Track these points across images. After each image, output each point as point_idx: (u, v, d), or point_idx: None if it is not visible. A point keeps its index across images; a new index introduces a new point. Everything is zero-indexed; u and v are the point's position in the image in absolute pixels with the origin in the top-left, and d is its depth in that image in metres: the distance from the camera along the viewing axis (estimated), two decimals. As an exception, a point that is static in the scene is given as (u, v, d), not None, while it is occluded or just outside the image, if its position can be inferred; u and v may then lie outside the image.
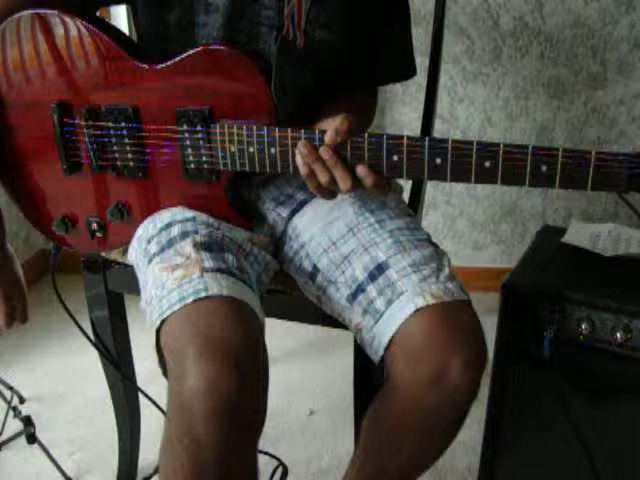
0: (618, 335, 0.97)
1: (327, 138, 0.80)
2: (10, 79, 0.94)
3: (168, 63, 0.87)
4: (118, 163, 0.94)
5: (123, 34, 0.98)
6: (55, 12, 0.90)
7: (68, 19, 0.90)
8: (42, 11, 0.90)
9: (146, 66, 0.88)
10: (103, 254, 1.11)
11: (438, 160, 0.78)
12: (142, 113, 0.90)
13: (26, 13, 0.90)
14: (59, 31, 0.90)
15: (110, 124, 0.91)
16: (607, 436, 1.02)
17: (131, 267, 0.98)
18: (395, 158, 0.80)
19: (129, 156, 0.93)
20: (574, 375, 1.02)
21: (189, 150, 0.89)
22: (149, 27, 0.98)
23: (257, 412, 0.75)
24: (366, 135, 0.80)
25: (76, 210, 0.99)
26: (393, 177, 0.82)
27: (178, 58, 0.87)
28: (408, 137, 0.79)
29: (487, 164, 0.76)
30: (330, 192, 0.85)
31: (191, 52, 0.86)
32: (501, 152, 0.75)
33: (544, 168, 0.74)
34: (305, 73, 0.96)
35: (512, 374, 1.08)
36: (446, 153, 0.77)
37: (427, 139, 0.78)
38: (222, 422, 0.69)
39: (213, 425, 0.69)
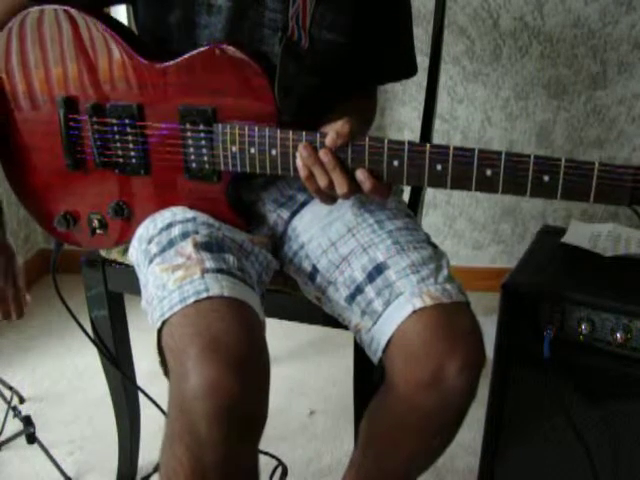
0: (618, 335, 0.97)
1: (328, 140, 0.81)
2: (20, 72, 0.94)
3: (174, 61, 0.88)
4: (121, 160, 0.94)
5: (130, 31, 0.98)
6: (66, 8, 0.90)
7: (78, 15, 0.90)
8: (55, 7, 0.90)
9: (152, 64, 0.89)
10: (103, 254, 1.12)
11: (439, 167, 0.77)
12: (146, 111, 0.90)
13: (38, 8, 0.91)
14: (69, 27, 0.91)
15: (114, 120, 0.92)
16: (607, 436, 1.02)
17: (131, 267, 0.98)
18: (395, 163, 0.79)
19: (132, 153, 0.93)
20: (574, 375, 1.02)
21: (191, 149, 0.90)
22: (150, 27, 0.98)
23: (258, 412, 0.75)
24: (367, 139, 0.80)
25: (78, 207, 1.00)
26: (393, 183, 0.82)
27: (185, 56, 0.87)
28: (409, 142, 0.78)
29: (488, 172, 0.75)
30: (329, 197, 0.85)
31: (198, 51, 0.86)
32: (503, 161, 0.74)
33: (546, 178, 0.73)
34: (309, 74, 0.96)
35: (512, 374, 1.08)
36: (447, 160, 0.77)
37: (428, 145, 0.77)
38: (223, 422, 0.69)
39: (214, 425, 0.69)
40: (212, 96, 0.87)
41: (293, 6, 0.91)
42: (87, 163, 0.96)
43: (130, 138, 0.92)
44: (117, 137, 0.93)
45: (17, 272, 1.01)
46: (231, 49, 0.85)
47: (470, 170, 0.76)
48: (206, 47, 0.86)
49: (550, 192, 0.74)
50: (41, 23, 0.91)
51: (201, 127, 0.88)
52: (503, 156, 0.74)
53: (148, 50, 0.91)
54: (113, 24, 0.91)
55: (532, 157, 0.73)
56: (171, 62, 0.88)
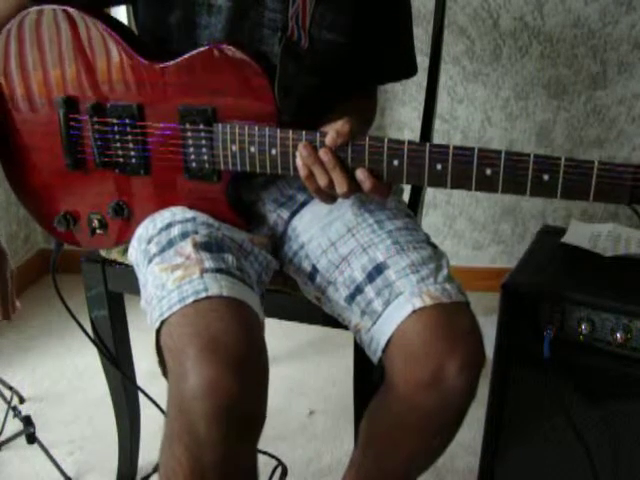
0: (618, 335, 0.97)
1: (328, 140, 0.81)
2: (20, 73, 0.94)
3: (174, 61, 0.88)
4: (121, 160, 0.94)
5: (130, 31, 0.98)
6: (65, 8, 0.90)
7: (78, 15, 0.90)
8: (54, 7, 0.91)
9: (152, 64, 0.89)
10: (103, 254, 1.12)
11: (439, 166, 0.77)
12: (146, 110, 0.91)
13: (37, 8, 0.91)
14: (69, 27, 0.91)
15: (114, 120, 0.92)
16: (607, 436, 1.02)
17: (131, 267, 0.98)
18: (395, 163, 0.79)
19: (132, 153, 0.93)
20: (574, 375, 1.02)
21: (191, 149, 0.90)
22: (150, 27, 0.98)
23: (257, 412, 0.75)
24: (367, 138, 0.80)
25: (78, 207, 1.00)
26: (393, 182, 0.82)
27: (185, 56, 0.87)
28: (409, 142, 0.78)
29: (488, 172, 0.75)
30: (329, 196, 0.85)
31: (198, 51, 0.86)
32: (502, 160, 0.74)
33: (546, 177, 0.73)
34: (309, 74, 0.96)
35: (512, 374, 1.08)
36: (447, 159, 0.77)
37: (428, 145, 0.77)
38: (222, 422, 0.69)
39: (213, 425, 0.69)
40: (212, 96, 0.87)
41: (293, 6, 0.91)
42: (87, 163, 0.96)
43: (130, 138, 0.92)
44: (117, 137, 0.93)
45: (7, 276, 1.00)
46: (231, 49, 0.85)
47: (470, 169, 0.76)
48: (206, 47, 0.86)
49: (550, 191, 0.74)
50: (40, 23, 0.91)
51: (201, 127, 0.88)
52: (503, 155, 0.74)
53: (148, 50, 0.91)
54: (113, 24, 0.91)
55: (532, 156, 0.73)
56: (171, 62, 0.88)
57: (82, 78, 0.92)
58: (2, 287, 0.99)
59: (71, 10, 0.90)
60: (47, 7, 0.91)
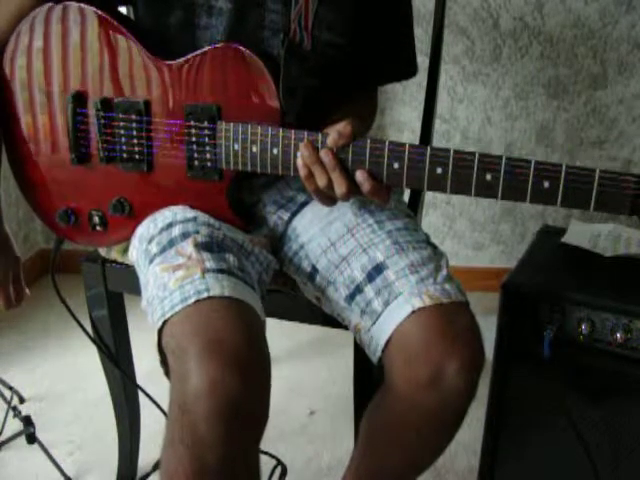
0: (618, 335, 0.97)
1: (329, 140, 0.81)
2: (30, 67, 0.95)
3: (183, 59, 0.88)
4: (125, 155, 0.94)
5: (140, 29, 0.98)
6: (81, 5, 0.91)
7: (90, 11, 0.91)
8: (66, 3, 0.91)
9: (162, 61, 0.89)
10: (103, 253, 1.12)
11: (439, 170, 0.77)
12: (153, 107, 0.91)
13: (52, 5, 0.92)
14: (81, 23, 0.91)
15: (120, 116, 0.92)
16: (607, 436, 1.02)
17: (131, 267, 0.98)
18: (396, 165, 0.79)
19: (136, 149, 0.93)
20: (574, 375, 1.02)
21: (194, 147, 0.90)
22: (150, 28, 0.98)
23: (259, 412, 0.75)
24: (368, 140, 0.80)
25: (80, 203, 1.00)
26: (393, 185, 0.81)
27: (193, 54, 0.88)
28: (410, 145, 0.78)
29: (488, 177, 0.75)
30: (329, 197, 0.85)
31: (206, 49, 0.87)
32: (503, 165, 0.74)
33: (546, 184, 0.72)
34: (312, 75, 0.96)
35: (512, 374, 1.08)
36: (447, 163, 0.76)
37: (429, 148, 0.77)
38: (225, 422, 0.69)
39: (216, 426, 0.69)
40: (217, 94, 0.87)
41: (295, 8, 0.91)
42: (91, 158, 0.96)
43: (135, 134, 0.92)
44: (122, 132, 0.93)
45: (15, 260, 1.01)
46: (240, 49, 0.85)
47: (470, 174, 0.75)
48: (215, 46, 0.86)
49: (550, 198, 0.73)
50: (56, 19, 0.92)
51: (205, 124, 0.88)
52: (503, 161, 0.74)
53: (156, 48, 0.91)
54: (124, 21, 0.92)
55: (533, 162, 0.73)
56: (180, 60, 0.88)
57: (91, 73, 0.93)
58: (14, 272, 0.99)
59: (85, 6, 0.91)
60: (60, 4, 0.91)
